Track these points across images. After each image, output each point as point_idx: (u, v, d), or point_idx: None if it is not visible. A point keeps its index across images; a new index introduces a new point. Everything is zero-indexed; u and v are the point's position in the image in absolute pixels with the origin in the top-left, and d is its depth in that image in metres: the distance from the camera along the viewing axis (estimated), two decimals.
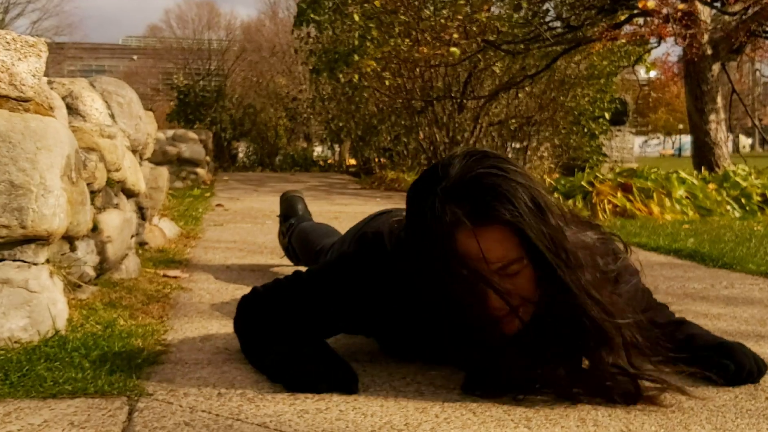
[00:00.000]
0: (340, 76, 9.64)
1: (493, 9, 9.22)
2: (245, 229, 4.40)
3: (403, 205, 1.50)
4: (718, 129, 8.29)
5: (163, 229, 3.53)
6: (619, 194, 5.39)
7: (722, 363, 1.49)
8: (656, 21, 8.00)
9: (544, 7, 9.22)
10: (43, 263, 1.77)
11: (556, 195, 5.54)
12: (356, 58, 8.86)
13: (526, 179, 1.33)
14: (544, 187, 1.38)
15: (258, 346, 1.56)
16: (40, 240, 1.73)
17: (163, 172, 3.75)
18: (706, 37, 8.15)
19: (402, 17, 8.75)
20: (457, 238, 1.28)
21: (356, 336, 1.74)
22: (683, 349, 1.55)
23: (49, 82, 2.41)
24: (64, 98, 2.40)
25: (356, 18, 8.78)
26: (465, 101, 10.17)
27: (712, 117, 8.26)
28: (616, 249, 1.50)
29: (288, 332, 1.53)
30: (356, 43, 8.95)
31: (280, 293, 1.58)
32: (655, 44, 8.93)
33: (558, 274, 1.31)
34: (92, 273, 2.20)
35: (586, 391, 1.35)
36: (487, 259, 1.28)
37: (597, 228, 1.48)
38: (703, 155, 8.26)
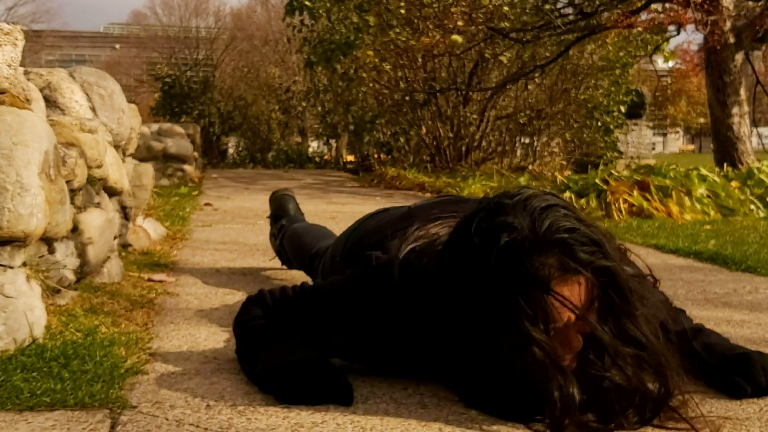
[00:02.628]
0: (337, 66, 9.65)
1: None
2: (236, 229, 4.40)
3: (403, 203, 1.50)
4: (741, 123, 8.28)
5: (148, 230, 3.53)
6: (635, 193, 5.38)
7: (737, 384, 1.49)
8: (675, 7, 8.01)
9: None
10: (19, 266, 1.77)
11: (568, 194, 5.54)
12: (355, 49, 8.88)
13: (583, 216, 1.39)
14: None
15: (252, 353, 1.58)
16: (16, 241, 1.73)
17: (148, 169, 3.75)
18: (728, 24, 8.15)
19: (402, 10, 8.77)
20: (554, 291, 1.29)
21: None
22: (700, 360, 1.55)
23: (26, 73, 2.41)
24: (41, 90, 2.40)
25: (354, 18, 8.82)
26: (471, 93, 10.17)
27: (735, 110, 8.26)
28: (631, 262, 1.52)
29: (285, 343, 1.55)
30: (351, 37, 8.98)
31: (285, 305, 1.63)
32: (675, 32, 8.93)
33: (633, 313, 1.33)
34: (72, 277, 2.20)
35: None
36: (576, 306, 1.30)
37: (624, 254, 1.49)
38: (726, 151, 8.26)
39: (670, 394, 1.33)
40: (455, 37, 8.45)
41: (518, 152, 11.35)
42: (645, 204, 5.29)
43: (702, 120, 38.20)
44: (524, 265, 1.28)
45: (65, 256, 2.14)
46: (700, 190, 5.47)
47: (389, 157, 11.33)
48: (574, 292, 1.30)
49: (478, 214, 1.37)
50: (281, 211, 2.97)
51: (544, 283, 1.28)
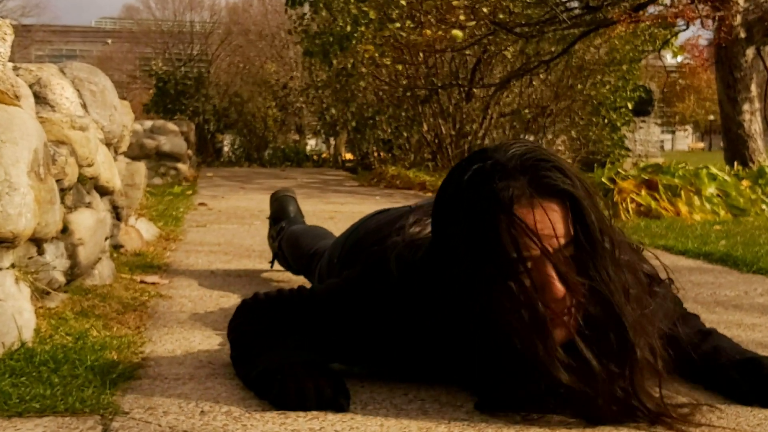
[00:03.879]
0: (334, 61, 9.64)
1: None
2: (231, 230, 4.40)
3: (403, 203, 1.50)
4: (753, 120, 8.27)
5: (141, 231, 3.53)
6: (643, 192, 5.38)
7: (740, 386, 1.49)
8: (683, 1, 8.00)
9: None
10: (7, 268, 1.77)
11: None
12: (353, 42, 8.87)
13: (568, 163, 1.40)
14: None
15: (248, 357, 1.58)
16: (4, 242, 1.73)
17: (141, 167, 3.75)
18: (738, 18, 8.14)
19: (403, 1, 8.77)
20: (517, 214, 1.29)
21: None
22: (707, 363, 1.55)
23: (15, 69, 2.41)
24: (31, 86, 2.40)
25: (353, 9, 8.82)
26: (473, 89, 10.17)
27: (746, 107, 8.25)
28: (646, 260, 1.52)
29: (281, 347, 1.55)
30: (349, 29, 8.97)
31: (282, 308, 1.63)
32: (683, 27, 8.92)
33: (601, 262, 1.32)
34: (62, 279, 2.20)
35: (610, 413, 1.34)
36: (549, 234, 1.29)
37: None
38: (736, 149, 8.25)
39: (634, 362, 1.31)
40: (455, 31, 8.44)
41: None
42: (653, 204, 5.29)
43: (712, 117, 38.17)
44: (489, 186, 1.30)
45: (55, 257, 2.14)
46: (710, 190, 5.47)
47: (389, 155, 11.33)
48: (544, 217, 1.29)
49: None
50: (281, 213, 2.98)
51: (506, 203, 1.28)
